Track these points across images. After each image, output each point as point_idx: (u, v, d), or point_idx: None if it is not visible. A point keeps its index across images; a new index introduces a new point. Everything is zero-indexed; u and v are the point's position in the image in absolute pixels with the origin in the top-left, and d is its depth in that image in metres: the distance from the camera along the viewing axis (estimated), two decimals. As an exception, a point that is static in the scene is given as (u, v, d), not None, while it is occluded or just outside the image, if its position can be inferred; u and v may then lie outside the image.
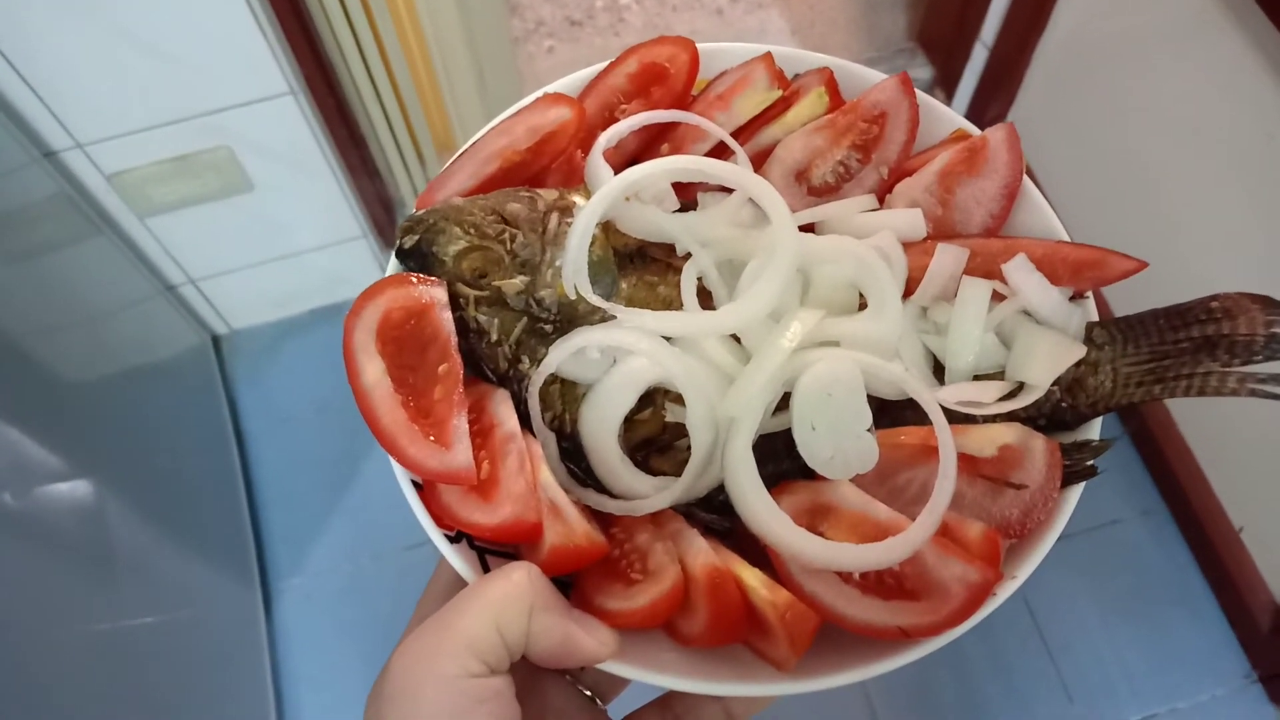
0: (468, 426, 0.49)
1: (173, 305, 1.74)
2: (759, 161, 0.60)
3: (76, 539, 1.20)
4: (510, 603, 0.44)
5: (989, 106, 1.99)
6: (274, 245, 1.72)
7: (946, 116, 0.61)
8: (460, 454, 0.48)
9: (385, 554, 1.72)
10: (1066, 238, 0.57)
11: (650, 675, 0.46)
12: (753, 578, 0.46)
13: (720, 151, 0.60)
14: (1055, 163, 1.87)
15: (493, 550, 0.50)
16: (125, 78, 1.26)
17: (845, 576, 0.46)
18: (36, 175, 1.32)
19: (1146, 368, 0.51)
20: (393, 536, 1.72)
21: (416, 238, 0.54)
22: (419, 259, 0.54)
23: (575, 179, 0.60)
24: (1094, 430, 0.52)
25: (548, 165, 0.60)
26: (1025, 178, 0.58)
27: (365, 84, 1.47)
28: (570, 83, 0.63)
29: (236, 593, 1.60)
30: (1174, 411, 1.69)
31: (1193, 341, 0.50)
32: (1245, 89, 1.35)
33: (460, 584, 0.48)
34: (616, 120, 0.59)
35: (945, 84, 2.15)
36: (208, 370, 1.84)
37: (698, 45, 0.62)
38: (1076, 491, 0.49)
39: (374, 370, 0.50)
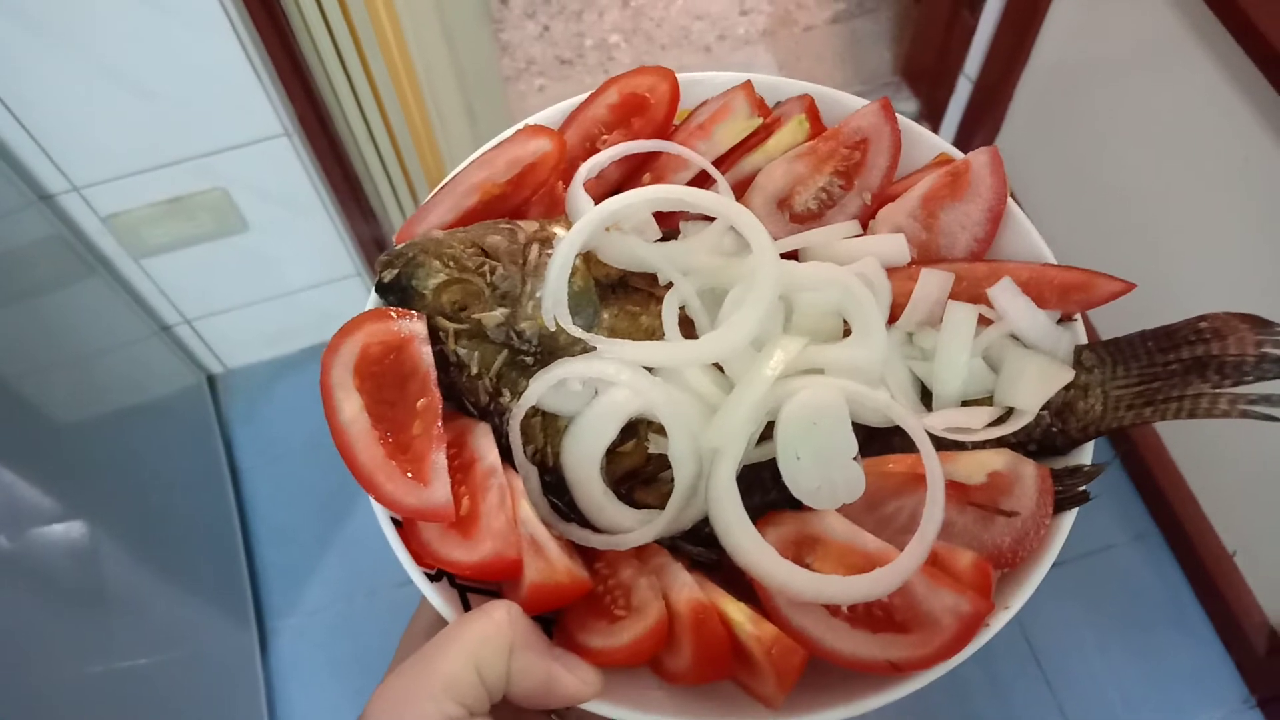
0: (447, 462, 0.48)
1: (168, 345, 1.75)
2: (741, 190, 0.60)
3: (71, 579, 1.19)
4: (489, 642, 0.42)
5: (974, 137, 2.01)
6: (268, 284, 1.72)
7: (929, 141, 0.61)
8: (438, 490, 0.47)
9: (379, 591, 1.70)
10: (1053, 260, 0.56)
11: (635, 715, 0.45)
12: (738, 612, 0.45)
13: (702, 181, 0.59)
14: (1040, 190, 1.88)
15: (474, 588, 0.49)
16: (122, 121, 1.27)
17: (833, 609, 0.45)
18: (33, 218, 1.33)
19: (1136, 390, 0.51)
20: (386, 573, 1.71)
21: (396, 271, 0.53)
22: (398, 293, 0.53)
23: (557, 211, 0.59)
24: (1085, 455, 0.52)
25: (529, 198, 0.59)
26: (1010, 200, 0.57)
27: (359, 125, 1.48)
28: (551, 115, 0.63)
29: (232, 632, 1.58)
30: (1164, 436, 1.69)
31: (1182, 363, 0.50)
32: (1220, 113, 1.36)
33: (442, 623, 0.47)
34: (598, 151, 0.58)
35: (930, 116, 2.16)
36: (203, 409, 1.83)
37: (678, 75, 0.61)
38: (1069, 518, 0.48)
39: (351, 406, 0.49)
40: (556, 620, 0.49)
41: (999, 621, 0.45)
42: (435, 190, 0.59)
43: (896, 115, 0.60)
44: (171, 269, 1.57)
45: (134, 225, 1.43)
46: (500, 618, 0.43)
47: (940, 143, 0.61)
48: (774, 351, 0.49)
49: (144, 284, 1.59)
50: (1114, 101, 1.60)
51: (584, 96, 0.62)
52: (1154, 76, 1.49)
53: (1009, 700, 1.58)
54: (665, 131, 0.61)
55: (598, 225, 0.52)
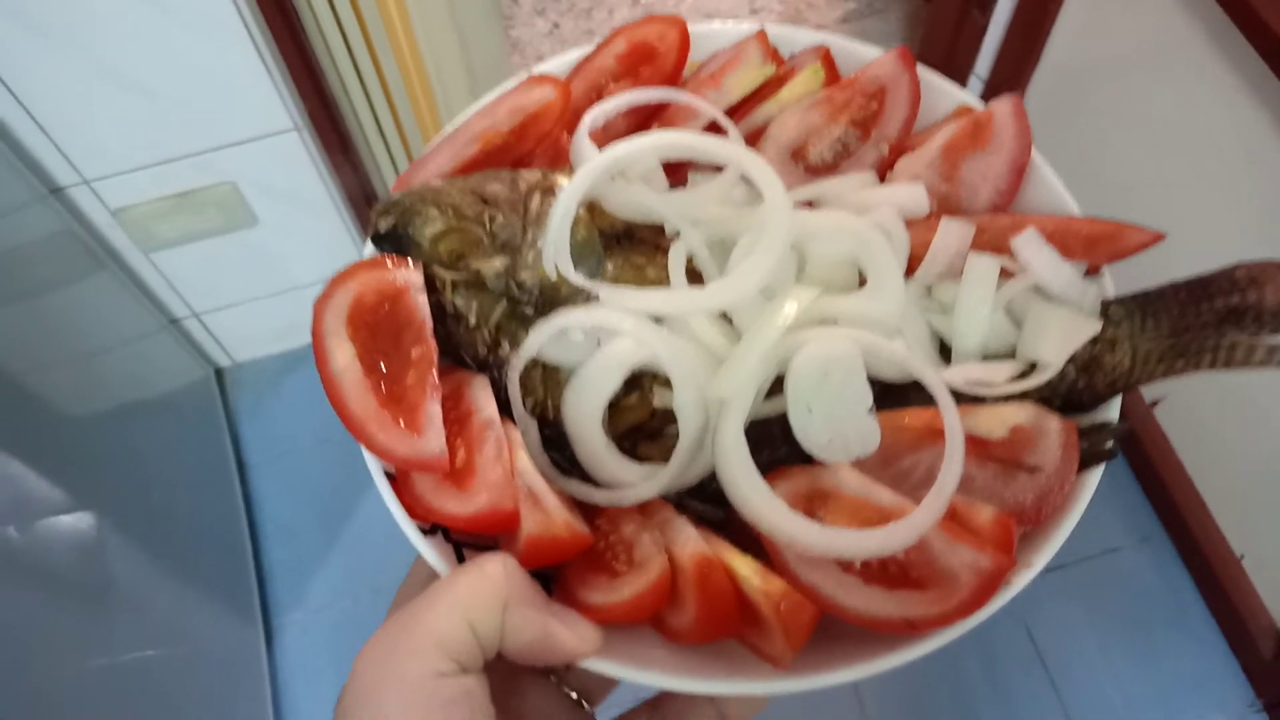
0: (441, 412, 0.46)
1: (176, 339, 1.74)
2: (752, 141, 0.58)
3: (77, 573, 1.18)
4: (483, 596, 0.40)
5: None
6: (277, 279, 1.71)
7: (949, 92, 0.58)
8: (432, 440, 0.45)
9: (384, 588, 1.68)
10: (1079, 213, 0.53)
11: (636, 673, 0.42)
12: (745, 567, 0.42)
13: (713, 133, 0.57)
14: None
15: (470, 543, 0.47)
16: (131, 115, 1.27)
17: (845, 565, 0.43)
18: (43, 211, 1.32)
19: (1168, 343, 0.48)
20: (391, 569, 1.68)
21: (392, 220, 0.51)
22: (395, 242, 0.51)
23: (561, 163, 0.57)
24: (1112, 411, 0.49)
25: (532, 149, 0.57)
26: (1034, 151, 0.55)
27: (369, 120, 1.47)
28: (558, 65, 0.61)
29: (238, 627, 1.57)
30: (1171, 437, 1.66)
31: (1216, 313, 0.47)
32: (1231, 113, 1.34)
33: (436, 580, 0.45)
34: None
35: (940, 116, 2.13)
36: (210, 403, 1.82)
37: (688, 25, 0.59)
38: (1095, 475, 0.46)
39: (344, 355, 0.47)
40: (556, 577, 0.47)
41: (1020, 580, 0.43)
42: (435, 140, 0.57)
43: (916, 64, 0.57)
44: (180, 263, 1.57)
45: (143, 219, 1.42)
46: (494, 570, 0.41)
47: (962, 93, 0.58)
48: (785, 301, 0.47)
49: (153, 278, 1.59)
50: (1124, 101, 1.57)
51: (591, 47, 0.60)
52: (1164, 76, 1.47)
53: (1013, 702, 1.56)
54: (675, 81, 0.59)
55: (602, 172, 0.50)
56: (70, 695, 1.08)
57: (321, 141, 1.41)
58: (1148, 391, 0.50)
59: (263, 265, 1.65)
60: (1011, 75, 1.84)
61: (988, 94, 1.94)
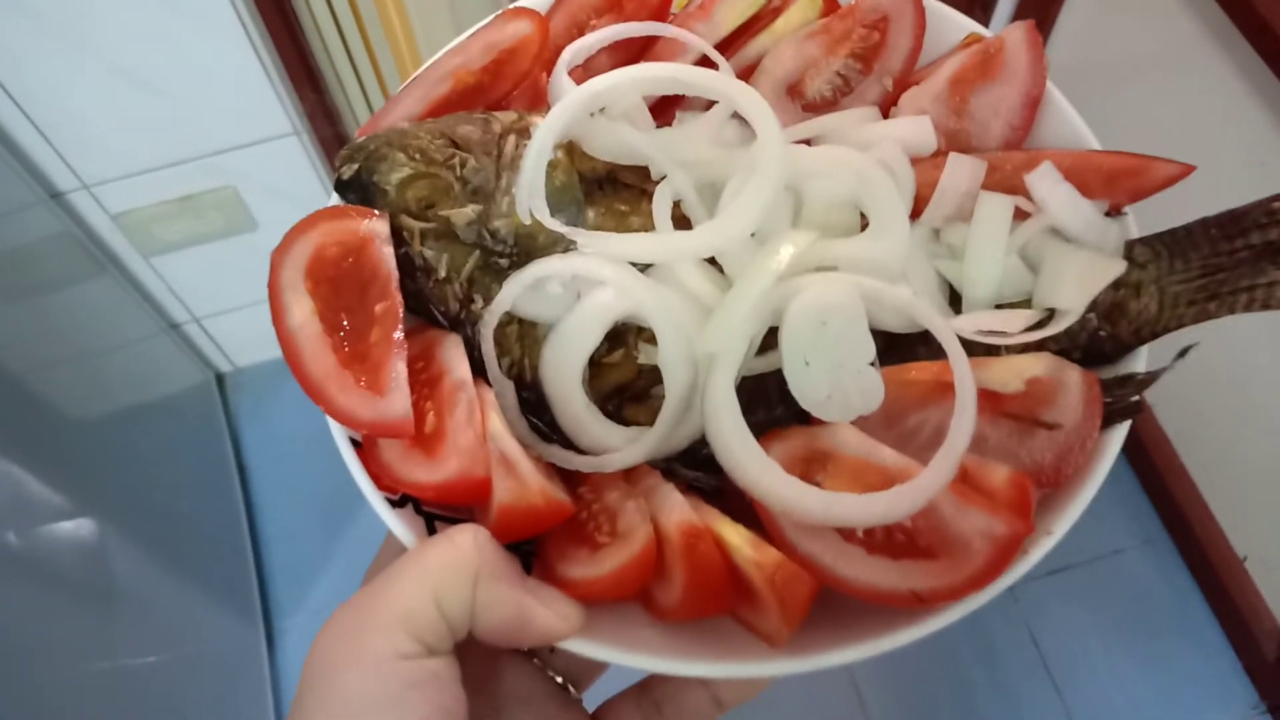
0: (408, 373, 0.42)
1: (176, 343, 1.73)
2: (745, 77, 0.53)
3: (78, 576, 1.18)
4: (452, 571, 0.37)
5: None
6: None
7: (956, 22, 0.54)
8: (396, 402, 0.41)
9: (385, 590, 1.67)
10: (1098, 147, 0.49)
11: (619, 654, 0.39)
12: (736, 536, 0.39)
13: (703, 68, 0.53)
14: None
15: (443, 516, 0.43)
16: (132, 119, 1.26)
17: (847, 534, 0.39)
18: (43, 215, 1.32)
19: (1198, 284, 0.44)
20: (393, 572, 1.67)
21: (356, 166, 0.47)
22: (359, 190, 0.47)
23: (540, 105, 0.53)
24: (1138, 362, 0.45)
25: (509, 90, 0.53)
26: (1049, 83, 0.51)
27: None
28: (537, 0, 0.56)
29: (239, 630, 1.57)
30: (1174, 439, 1.64)
31: (1252, 250, 0.43)
32: (1236, 117, 1.30)
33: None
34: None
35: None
36: (211, 407, 1.81)
37: (676, -46, 0.55)
38: (1119, 432, 0.42)
39: (301, 311, 0.43)
40: (536, 551, 0.44)
41: (1040, 548, 0.39)
42: (405, 83, 0.53)
43: (921, -9, 0.53)
44: (181, 267, 1.56)
45: (143, 223, 1.42)
46: (465, 543, 0.38)
47: (969, 22, 0.54)
48: (779, 245, 0.43)
49: (153, 282, 1.58)
50: (1126, 105, 1.54)
51: (571, -19, 0.56)
52: (1167, 80, 1.44)
53: (1015, 704, 1.55)
54: (662, 16, 0.55)
55: (580, 108, 0.46)
56: (72, 698, 1.07)
57: (321, 145, 1.40)
58: (1174, 341, 0.45)
59: (263, 269, 1.58)
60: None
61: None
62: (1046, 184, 0.46)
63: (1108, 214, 0.47)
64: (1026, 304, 0.46)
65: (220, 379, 1.88)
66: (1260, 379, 1.37)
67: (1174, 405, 1.63)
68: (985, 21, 1.77)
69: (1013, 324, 0.44)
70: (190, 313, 1.68)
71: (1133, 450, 1.70)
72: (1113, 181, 0.47)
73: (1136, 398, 0.43)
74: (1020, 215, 0.47)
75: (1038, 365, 0.42)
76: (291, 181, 1.43)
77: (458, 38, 0.54)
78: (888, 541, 0.39)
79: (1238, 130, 1.31)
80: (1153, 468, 1.66)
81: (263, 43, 1.20)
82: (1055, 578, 1.60)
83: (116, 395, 1.47)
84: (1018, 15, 1.70)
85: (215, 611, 1.51)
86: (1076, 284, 0.44)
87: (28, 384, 1.19)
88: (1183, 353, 0.43)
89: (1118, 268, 0.44)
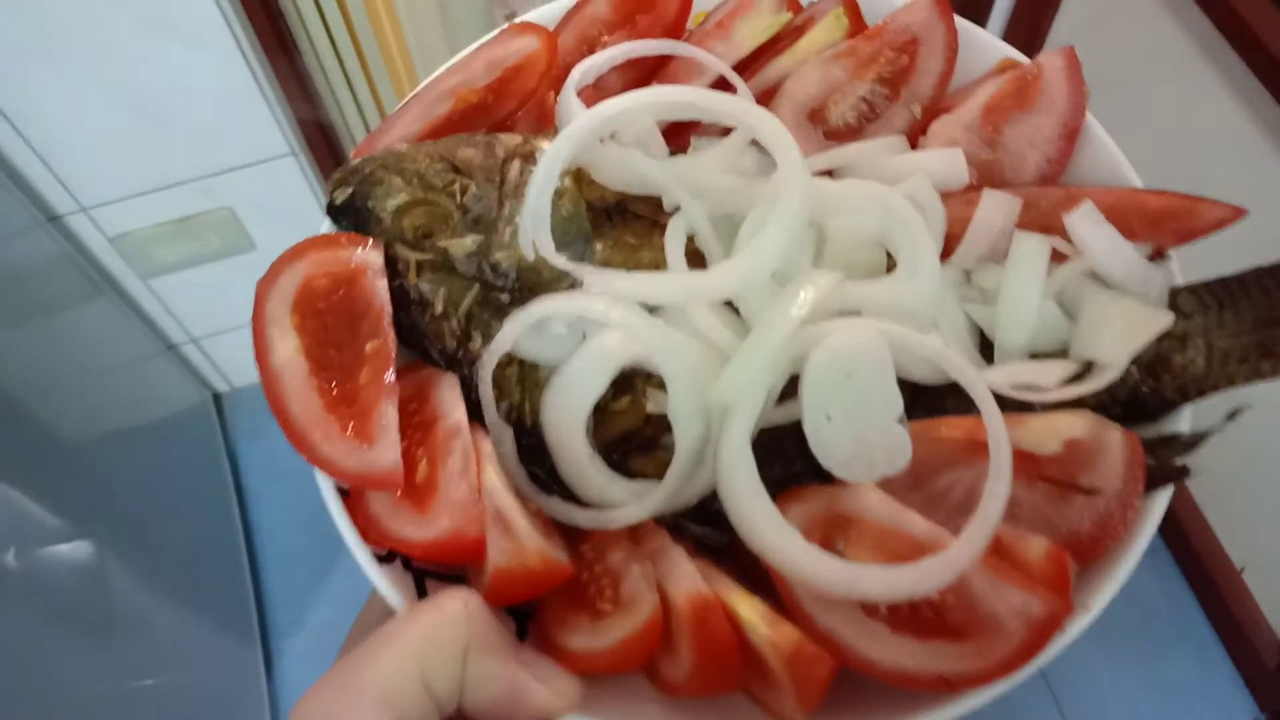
0: (399, 417, 0.39)
1: (174, 364, 1.72)
2: (765, 100, 0.50)
3: (76, 598, 1.17)
4: (439, 642, 0.34)
5: None
6: None
7: (990, 45, 0.51)
8: (385, 451, 0.38)
9: (385, 612, 1.67)
10: (1139, 184, 0.46)
11: None
12: (750, 610, 0.36)
13: (720, 90, 0.50)
14: None
15: (434, 573, 0.40)
16: (129, 141, 1.26)
17: (870, 608, 0.36)
18: (40, 238, 1.32)
19: (1252, 340, 0.41)
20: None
21: (349, 191, 0.44)
22: (352, 216, 0.45)
23: (547, 126, 0.50)
24: (1183, 421, 0.42)
25: (514, 110, 0.50)
26: (1089, 114, 0.48)
27: None
28: (546, 14, 0.53)
29: (237, 652, 1.56)
30: None
31: (1313, 305, 0.40)
32: (1228, 128, 1.30)
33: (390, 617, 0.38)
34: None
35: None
36: (209, 428, 1.81)
37: (693, -33, 0.52)
38: (1163, 498, 0.39)
39: (286, 348, 0.40)
40: (533, 613, 0.41)
41: (1077, 625, 0.37)
42: (404, 101, 0.50)
43: (953, 12, 0.50)
44: (178, 288, 1.56)
45: (141, 245, 1.42)
46: (454, 611, 0.35)
47: (1004, 46, 0.51)
48: (801, 287, 0.40)
49: (150, 303, 1.58)
50: (1118, 117, 1.52)
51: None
52: (1159, 92, 1.44)
53: (1013, 714, 1.53)
54: (677, 32, 0.52)
55: (590, 133, 0.43)
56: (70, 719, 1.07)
57: (318, 166, 1.40)
58: (1221, 402, 0.42)
59: None
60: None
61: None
62: (1087, 225, 0.43)
63: (1150, 258, 0.44)
64: (1064, 353, 0.43)
65: (218, 399, 1.88)
66: (1258, 389, 1.35)
67: (1210, 417, 1.63)
68: None
69: (1049, 377, 0.41)
70: (188, 333, 1.68)
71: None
72: (1157, 223, 0.44)
73: (1182, 461, 0.39)
74: (1057, 257, 0.44)
75: (1077, 425, 0.39)
76: (288, 202, 1.43)
77: (459, 54, 0.51)
78: (914, 618, 0.36)
79: (1230, 141, 1.31)
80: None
81: (259, 64, 1.20)
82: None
83: (114, 416, 1.47)
84: (1010, 26, 1.72)
85: (213, 633, 1.51)
86: (1119, 336, 0.41)
87: (26, 406, 1.19)
88: (1233, 414, 0.40)
89: (1164, 320, 0.41)
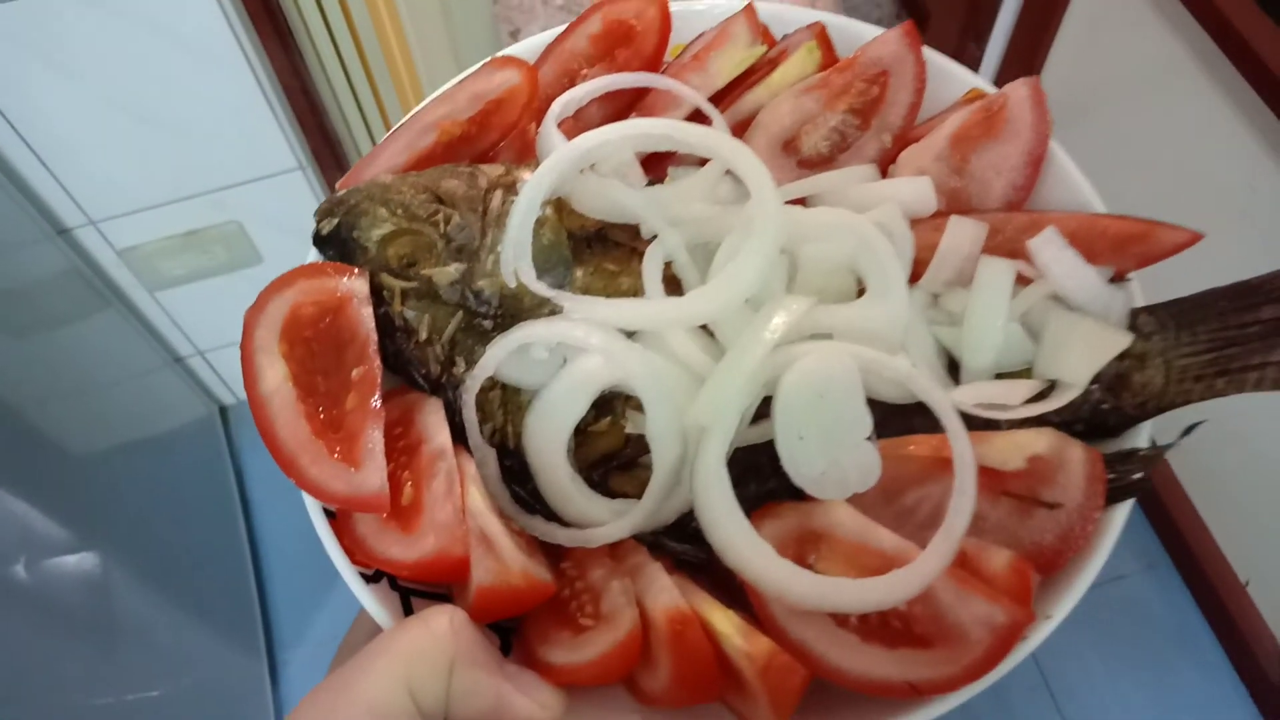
0: (385, 441, 0.41)
1: (180, 376, 1.73)
2: (740, 131, 0.52)
3: (82, 609, 1.18)
4: (425, 657, 0.35)
5: None
6: None
7: (958, 76, 0.53)
8: (370, 475, 0.40)
9: (387, 624, 1.68)
10: (1103, 210, 0.48)
11: None
12: (725, 623, 0.37)
13: (697, 122, 0.51)
14: None
15: (420, 592, 0.42)
16: (138, 156, 1.27)
17: (841, 619, 0.38)
18: (49, 251, 1.33)
19: (1207, 358, 0.42)
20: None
21: (335, 221, 0.46)
22: (338, 246, 0.46)
23: (528, 157, 0.52)
24: (1142, 437, 0.44)
25: (496, 141, 0.52)
26: (1053, 142, 0.49)
27: None
28: (527, 47, 0.55)
29: (242, 663, 1.56)
30: (1173, 462, 1.65)
31: (1264, 324, 0.41)
32: (1226, 140, 1.32)
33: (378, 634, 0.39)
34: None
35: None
36: (214, 440, 1.82)
37: (670, 2, 0.54)
38: (1123, 511, 0.41)
39: (275, 375, 0.42)
40: (516, 629, 0.42)
41: (1039, 634, 0.38)
42: (389, 132, 0.51)
43: (922, 45, 0.52)
44: (185, 301, 1.57)
45: (149, 258, 1.43)
46: (440, 627, 0.36)
47: (972, 77, 0.53)
48: (774, 312, 0.41)
49: (157, 316, 1.59)
50: (1119, 130, 1.56)
51: (563, 27, 0.55)
52: (1158, 104, 1.46)
53: None
54: (655, 65, 0.54)
55: (571, 164, 0.45)
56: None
57: (325, 180, 1.41)
58: (1179, 414, 0.44)
59: None
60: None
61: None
62: (1050, 250, 0.44)
63: (1112, 280, 0.46)
64: (1027, 373, 0.44)
65: (224, 412, 1.88)
66: (1259, 403, 1.36)
67: (1173, 431, 1.62)
68: (980, 50, 1.79)
69: (1014, 396, 0.43)
70: (194, 346, 1.69)
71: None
72: (1118, 247, 0.45)
73: (1141, 475, 0.41)
74: (1022, 280, 0.45)
75: (1039, 442, 0.41)
76: (296, 216, 1.44)
77: (444, 85, 0.53)
78: (883, 628, 0.38)
79: (1228, 153, 1.32)
80: (1154, 493, 1.67)
81: (267, 79, 1.21)
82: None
83: (121, 428, 1.48)
84: (1012, 44, 1.74)
85: (218, 644, 1.51)
86: (1081, 356, 0.42)
87: (33, 417, 1.20)
88: (1189, 430, 0.42)
89: (1123, 340, 0.43)
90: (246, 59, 1.17)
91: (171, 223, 1.39)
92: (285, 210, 1.42)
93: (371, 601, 0.40)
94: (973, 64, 1.86)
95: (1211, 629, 1.61)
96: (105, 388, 1.46)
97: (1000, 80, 1.75)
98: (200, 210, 1.38)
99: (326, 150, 1.37)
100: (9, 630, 0.99)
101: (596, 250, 0.47)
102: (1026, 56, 1.72)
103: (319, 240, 0.46)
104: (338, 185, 0.49)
